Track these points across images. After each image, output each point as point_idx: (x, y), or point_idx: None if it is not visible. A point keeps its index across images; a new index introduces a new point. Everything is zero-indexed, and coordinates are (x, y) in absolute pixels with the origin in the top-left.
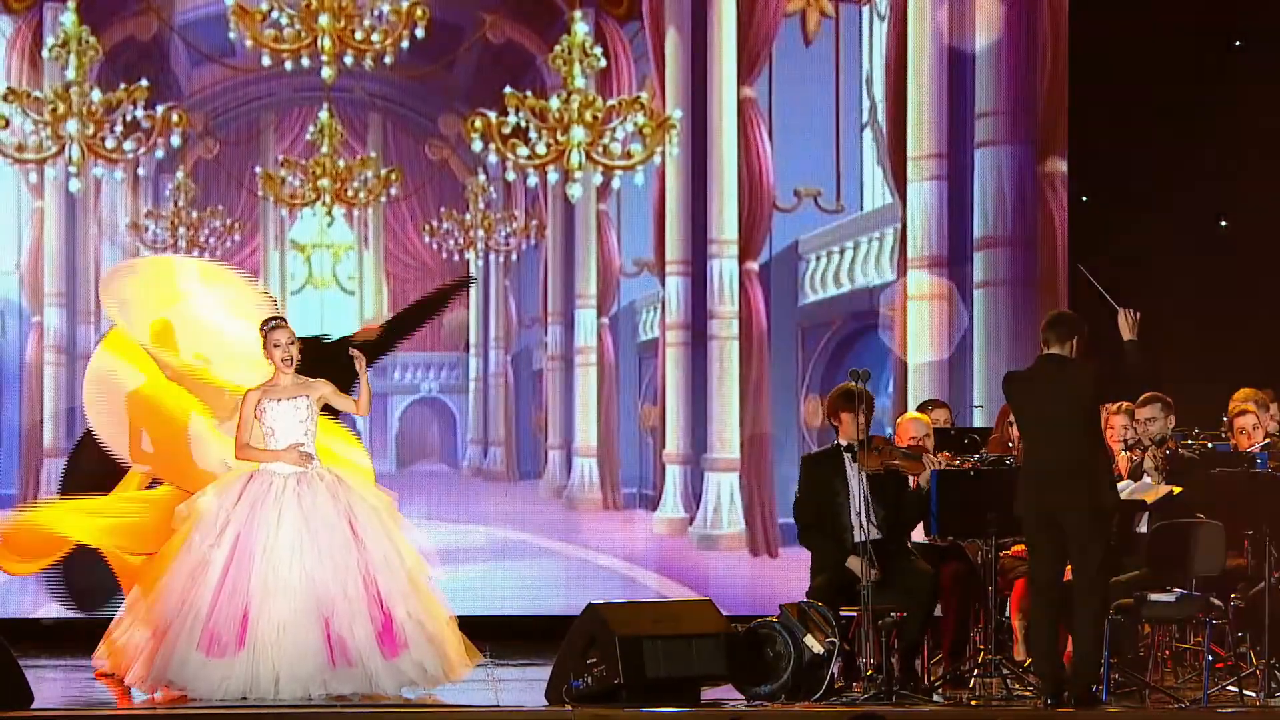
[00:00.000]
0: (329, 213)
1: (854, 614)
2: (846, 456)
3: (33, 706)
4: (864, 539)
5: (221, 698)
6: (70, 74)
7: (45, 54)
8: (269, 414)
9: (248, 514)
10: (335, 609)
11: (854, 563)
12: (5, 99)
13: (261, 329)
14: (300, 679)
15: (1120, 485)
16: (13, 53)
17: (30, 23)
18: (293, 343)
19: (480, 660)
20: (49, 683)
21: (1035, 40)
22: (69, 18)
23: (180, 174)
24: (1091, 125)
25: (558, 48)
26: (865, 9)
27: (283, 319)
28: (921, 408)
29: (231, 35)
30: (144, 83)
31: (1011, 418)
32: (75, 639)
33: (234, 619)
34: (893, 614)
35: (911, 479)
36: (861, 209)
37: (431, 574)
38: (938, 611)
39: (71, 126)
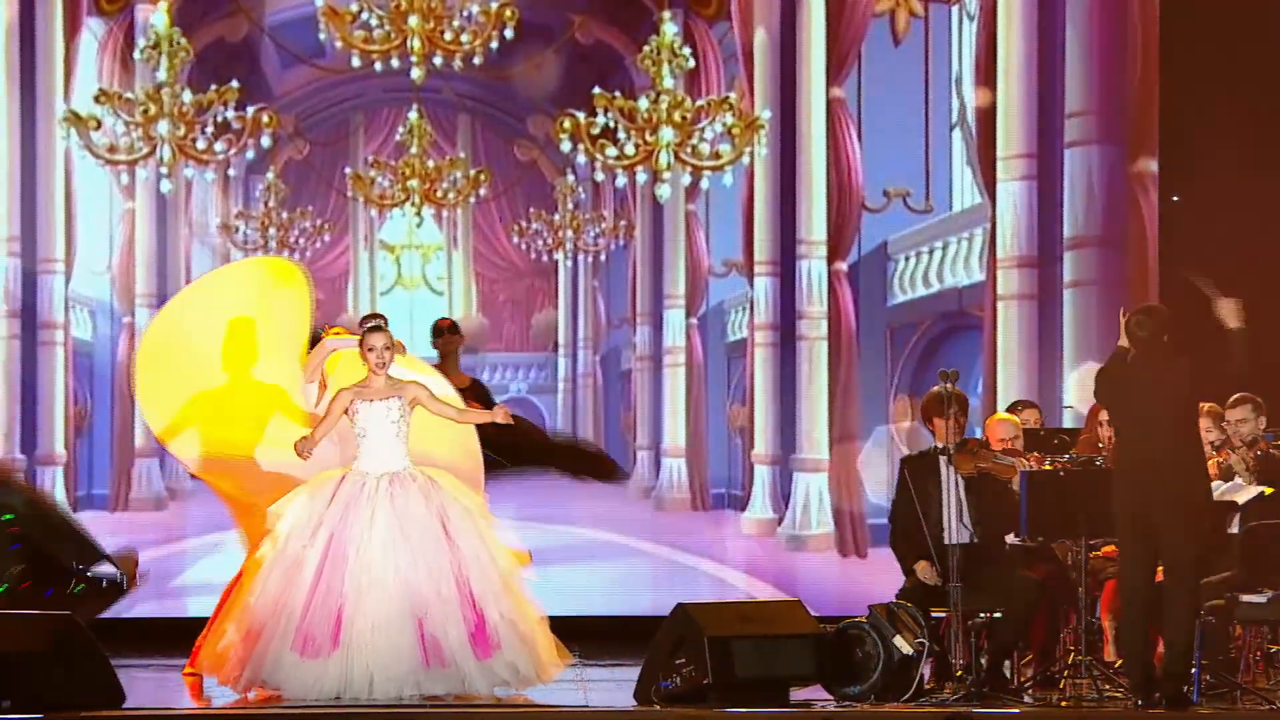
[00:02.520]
0: (418, 213)
1: (944, 615)
2: (942, 459)
3: (124, 706)
4: (954, 542)
5: (315, 698)
6: (161, 75)
7: (137, 55)
8: (361, 415)
9: (341, 514)
10: (429, 610)
11: (923, 568)
12: (97, 100)
13: (360, 326)
14: (394, 679)
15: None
16: (104, 54)
17: (122, 24)
18: (388, 347)
19: (571, 660)
20: (141, 682)
21: (1125, 40)
22: (160, 19)
23: (270, 175)
24: (1182, 125)
25: (647, 48)
26: (955, 8)
27: (380, 322)
28: (1011, 408)
29: (321, 36)
30: (234, 84)
31: (1103, 416)
32: (168, 638)
33: (328, 619)
34: (982, 614)
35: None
36: (950, 209)
37: (525, 574)
38: None
39: (163, 128)
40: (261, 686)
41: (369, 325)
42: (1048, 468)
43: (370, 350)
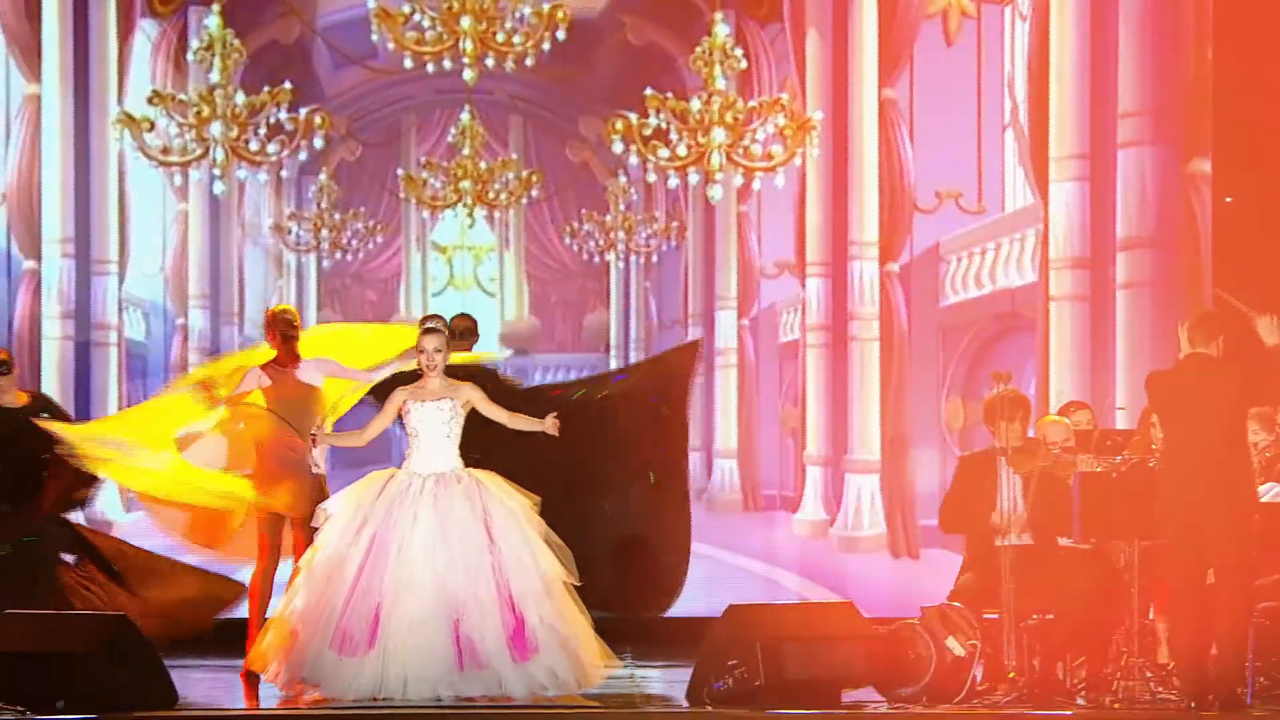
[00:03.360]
0: (470, 214)
1: (996, 616)
2: (1001, 459)
3: (177, 706)
4: (1009, 543)
5: (354, 697)
6: (214, 77)
7: (190, 57)
8: (413, 415)
9: (385, 513)
10: (465, 611)
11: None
12: (150, 102)
13: (420, 324)
14: (428, 680)
15: (1260, 488)
16: (158, 56)
17: (175, 26)
18: (439, 349)
19: (619, 664)
20: (194, 682)
21: (1178, 40)
22: (213, 21)
23: (323, 176)
24: (1235, 125)
25: (699, 49)
26: (1007, 9)
27: (436, 324)
28: (1063, 409)
29: (374, 38)
30: (287, 85)
31: (1155, 418)
32: (220, 639)
33: (366, 618)
34: (1035, 616)
35: None
36: (1003, 210)
37: (572, 579)
38: None
39: (215, 129)
40: (303, 684)
41: (424, 327)
42: (1101, 469)
43: (421, 352)
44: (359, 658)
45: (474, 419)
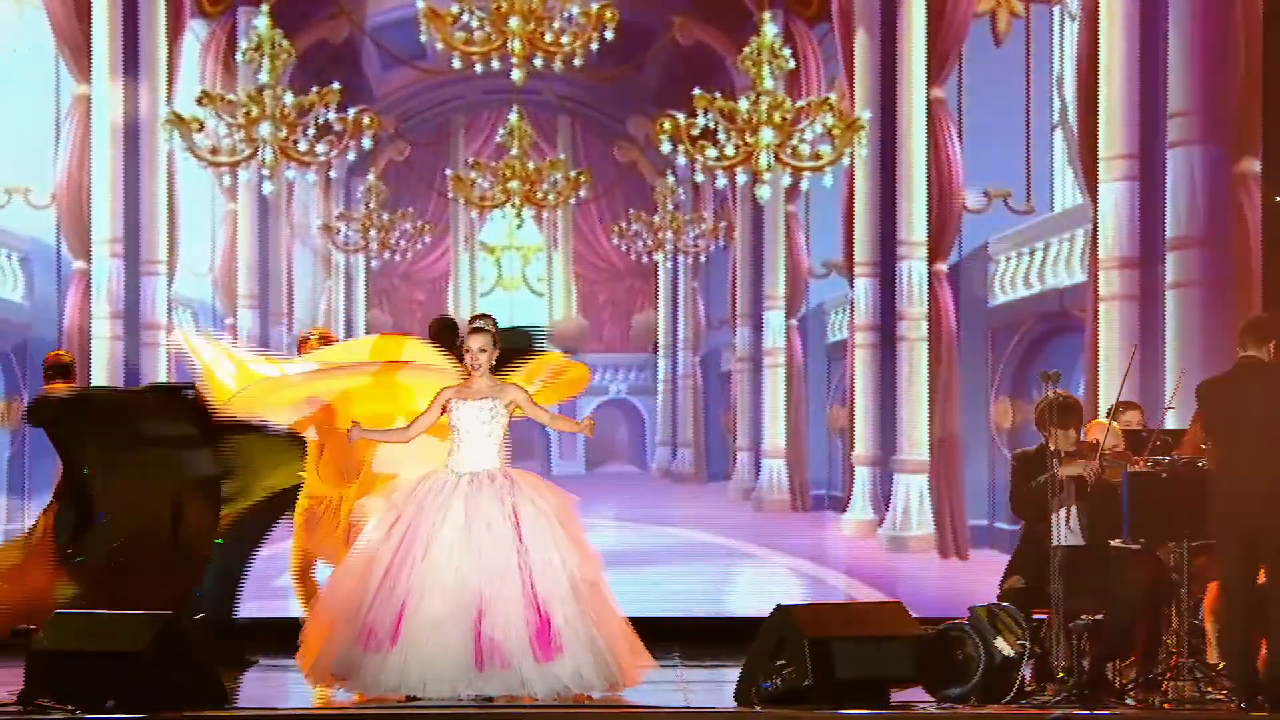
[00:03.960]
0: (518, 215)
1: (1046, 616)
2: (1053, 461)
3: (226, 706)
4: (1060, 544)
5: (377, 694)
6: (263, 77)
7: (239, 58)
8: (456, 412)
9: (416, 511)
10: (488, 610)
11: (1071, 467)
12: (199, 102)
13: (468, 324)
14: (446, 679)
15: None
16: (207, 56)
17: (224, 26)
18: (483, 349)
19: (655, 665)
20: (245, 683)
21: (1228, 39)
22: (262, 22)
23: (371, 176)
24: None
25: (747, 49)
26: (1056, 9)
27: (483, 324)
28: (1113, 410)
29: (422, 38)
30: (336, 86)
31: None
32: (270, 638)
33: (390, 615)
34: (1084, 616)
35: None
36: (1052, 210)
37: (605, 580)
38: None
39: (264, 129)
40: (331, 678)
41: (471, 326)
42: (1150, 469)
43: (466, 351)
44: (382, 654)
45: None
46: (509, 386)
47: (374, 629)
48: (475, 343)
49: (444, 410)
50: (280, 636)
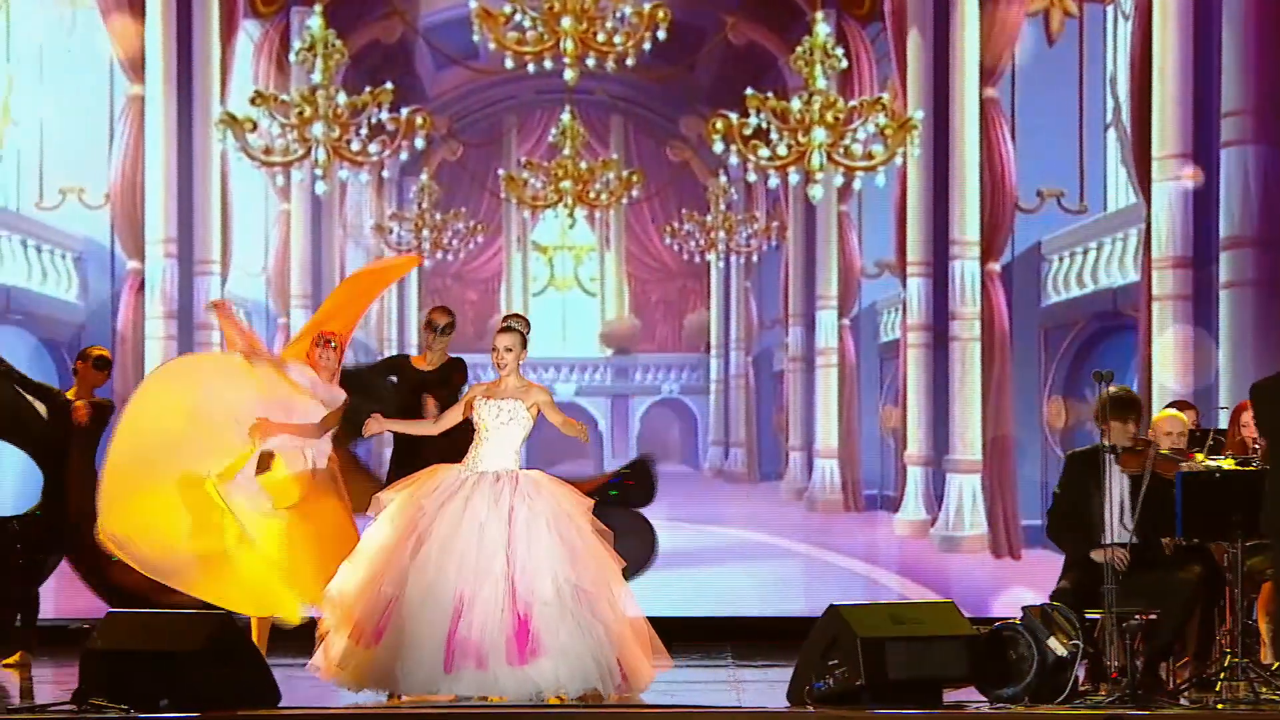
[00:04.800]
0: (571, 214)
1: (1098, 616)
2: (1109, 457)
3: (280, 705)
4: (1113, 542)
5: (367, 688)
6: (316, 77)
7: (292, 58)
8: (478, 412)
9: (418, 509)
10: (466, 610)
11: (1098, 554)
12: (253, 103)
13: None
14: (418, 677)
15: None
16: (260, 57)
17: (277, 27)
18: (509, 349)
19: (667, 665)
20: (296, 681)
21: None
22: (315, 22)
23: (424, 176)
24: None
25: (799, 49)
26: (1109, 8)
27: (512, 323)
28: (1175, 406)
29: (475, 38)
30: (389, 86)
31: (1245, 418)
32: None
33: (377, 611)
34: (1137, 616)
35: None
36: (1105, 209)
37: (614, 586)
38: None
39: (317, 129)
40: (337, 670)
41: (501, 325)
42: (1203, 468)
43: (493, 350)
44: (369, 650)
45: None
46: (534, 389)
47: (363, 625)
48: (501, 342)
49: (470, 407)
50: None
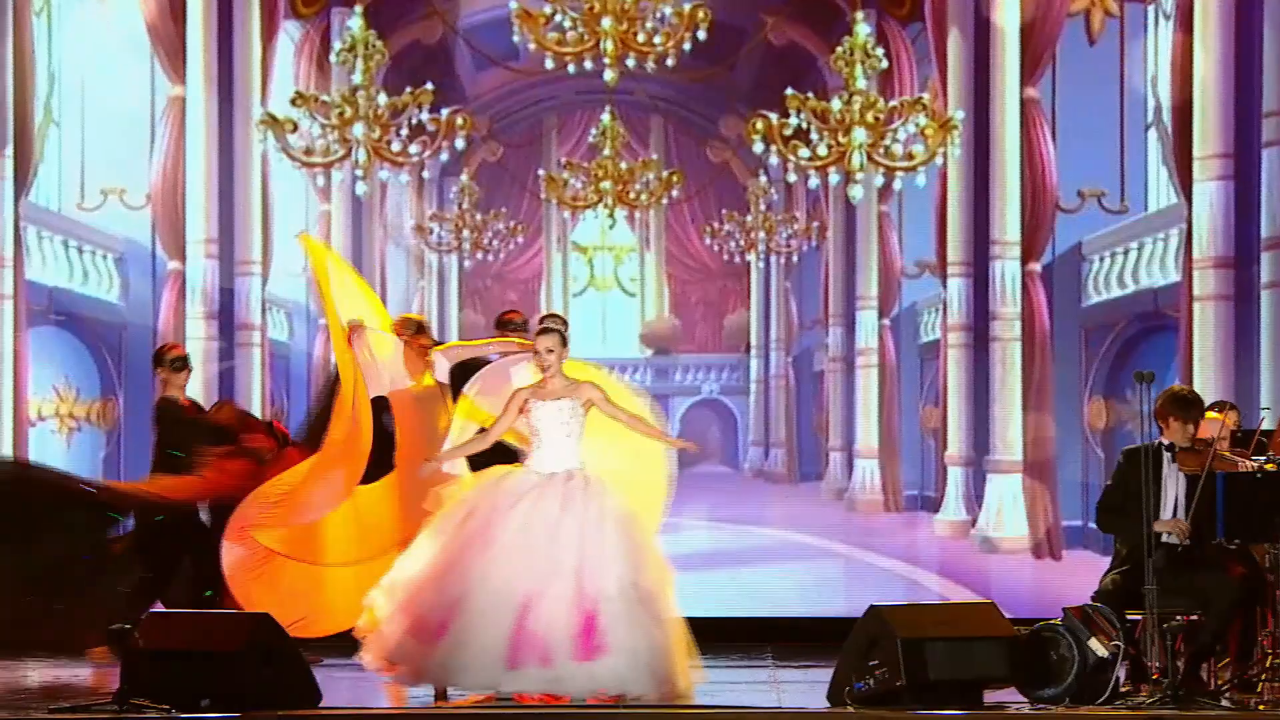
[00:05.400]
0: (611, 215)
1: (1139, 617)
2: (1166, 455)
3: (320, 705)
4: (1164, 541)
5: (424, 684)
6: (357, 78)
7: (333, 58)
8: (534, 413)
9: (490, 508)
10: (533, 607)
11: (1162, 525)
12: (293, 103)
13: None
14: (480, 671)
15: None
16: (300, 57)
17: (318, 27)
18: (550, 350)
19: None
20: (337, 682)
21: None
22: (356, 23)
23: (464, 177)
24: None
25: (839, 49)
26: (1150, 8)
27: (552, 324)
28: (1210, 409)
29: (515, 39)
30: (429, 86)
31: None
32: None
33: (441, 608)
34: (1179, 617)
35: None
36: (1146, 209)
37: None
38: None
39: (358, 130)
40: (388, 664)
41: (540, 327)
42: (1246, 469)
43: (535, 353)
44: (430, 644)
45: None
46: (583, 385)
47: (426, 621)
48: (543, 344)
49: (521, 411)
50: None
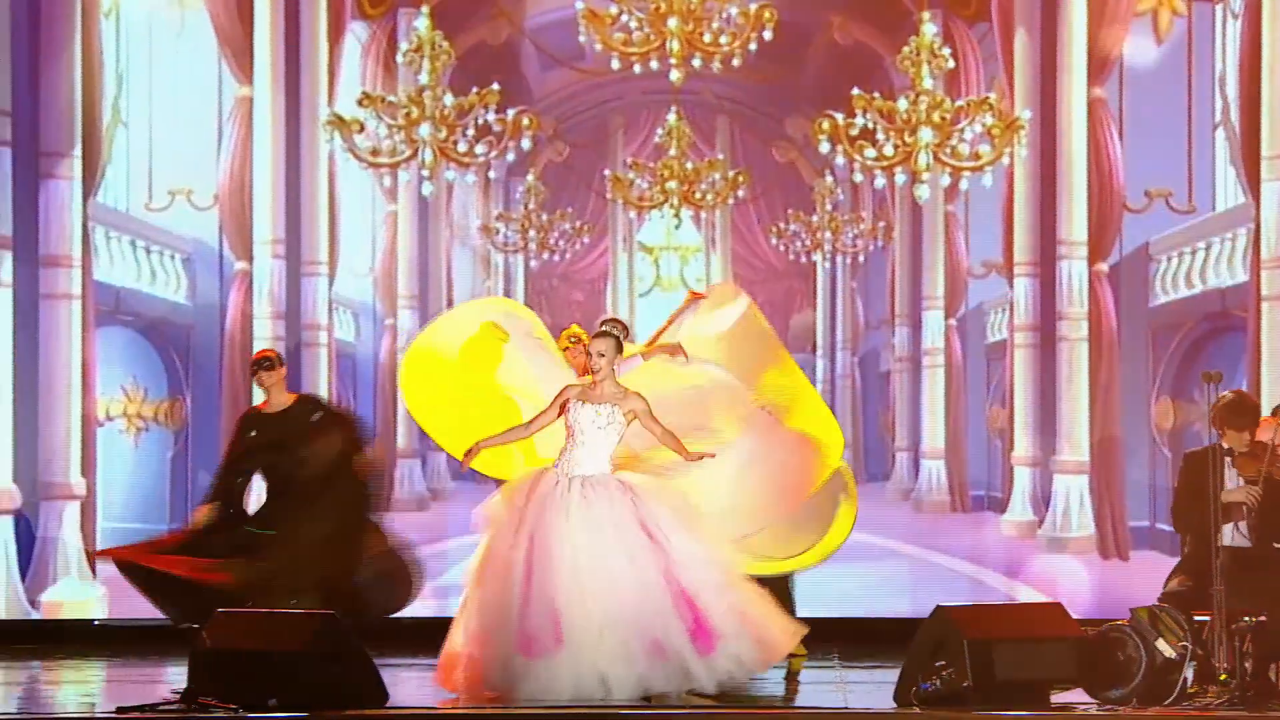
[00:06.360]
0: (677, 215)
1: (1207, 618)
2: (1227, 460)
3: (387, 705)
4: (1227, 544)
5: (553, 698)
6: (424, 78)
7: (399, 59)
8: (573, 414)
9: (538, 513)
10: (647, 610)
11: (1231, 494)
12: (360, 104)
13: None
14: (626, 678)
15: None
16: (368, 58)
17: (385, 28)
18: (601, 354)
19: (804, 630)
20: (405, 682)
21: None
22: (423, 23)
23: (530, 177)
24: None
25: (906, 49)
26: (1218, 7)
27: (608, 328)
28: (1276, 410)
29: (581, 39)
30: (495, 87)
31: None
32: (431, 638)
33: (547, 617)
34: (1247, 618)
35: None
36: (1214, 209)
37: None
38: None
39: (424, 130)
40: (490, 691)
41: (597, 330)
42: None
43: (588, 355)
44: (547, 657)
45: None
46: (631, 395)
47: (534, 634)
48: (595, 347)
49: (563, 409)
50: (440, 636)
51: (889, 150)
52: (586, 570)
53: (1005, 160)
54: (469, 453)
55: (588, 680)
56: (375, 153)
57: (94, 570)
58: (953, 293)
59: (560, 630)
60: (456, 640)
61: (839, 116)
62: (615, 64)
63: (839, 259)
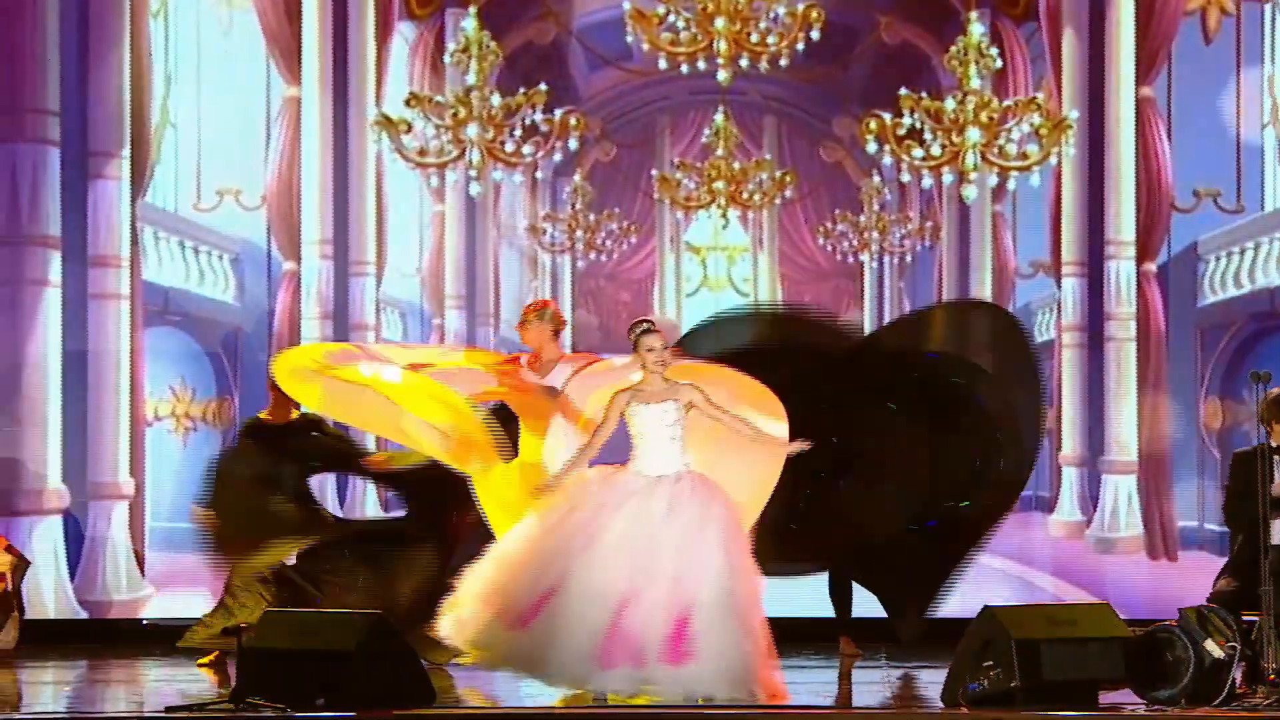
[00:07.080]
0: (724, 215)
1: (1256, 618)
2: (1276, 458)
3: (435, 704)
4: (1276, 543)
5: (508, 670)
6: (471, 79)
7: (447, 59)
8: (638, 417)
9: (595, 508)
10: (629, 609)
11: None
12: (408, 104)
13: (631, 331)
14: (571, 667)
15: None
16: (415, 58)
17: (432, 28)
18: (666, 347)
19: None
20: (450, 680)
21: None
22: (470, 23)
23: (578, 177)
24: None
25: (953, 48)
26: (1268, 7)
27: (650, 324)
28: None
29: (629, 39)
30: (543, 87)
31: None
32: None
33: (533, 596)
34: None
35: None
36: (1262, 209)
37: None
38: None
39: (472, 130)
40: (471, 647)
41: (643, 328)
42: None
43: (650, 351)
44: (516, 632)
45: None
46: (683, 387)
47: (515, 608)
48: (658, 342)
49: (622, 416)
50: None
51: (936, 150)
52: (596, 563)
53: (1053, 160)
54: (540, 489)
55: (539, 662)
56: (423, 153)
57: (143, 570)
58: (1000, 293)
59: (538, 612)
60: (466, 591)
61: (886, 116)
62: (662, 64)
63: (886, 259)
